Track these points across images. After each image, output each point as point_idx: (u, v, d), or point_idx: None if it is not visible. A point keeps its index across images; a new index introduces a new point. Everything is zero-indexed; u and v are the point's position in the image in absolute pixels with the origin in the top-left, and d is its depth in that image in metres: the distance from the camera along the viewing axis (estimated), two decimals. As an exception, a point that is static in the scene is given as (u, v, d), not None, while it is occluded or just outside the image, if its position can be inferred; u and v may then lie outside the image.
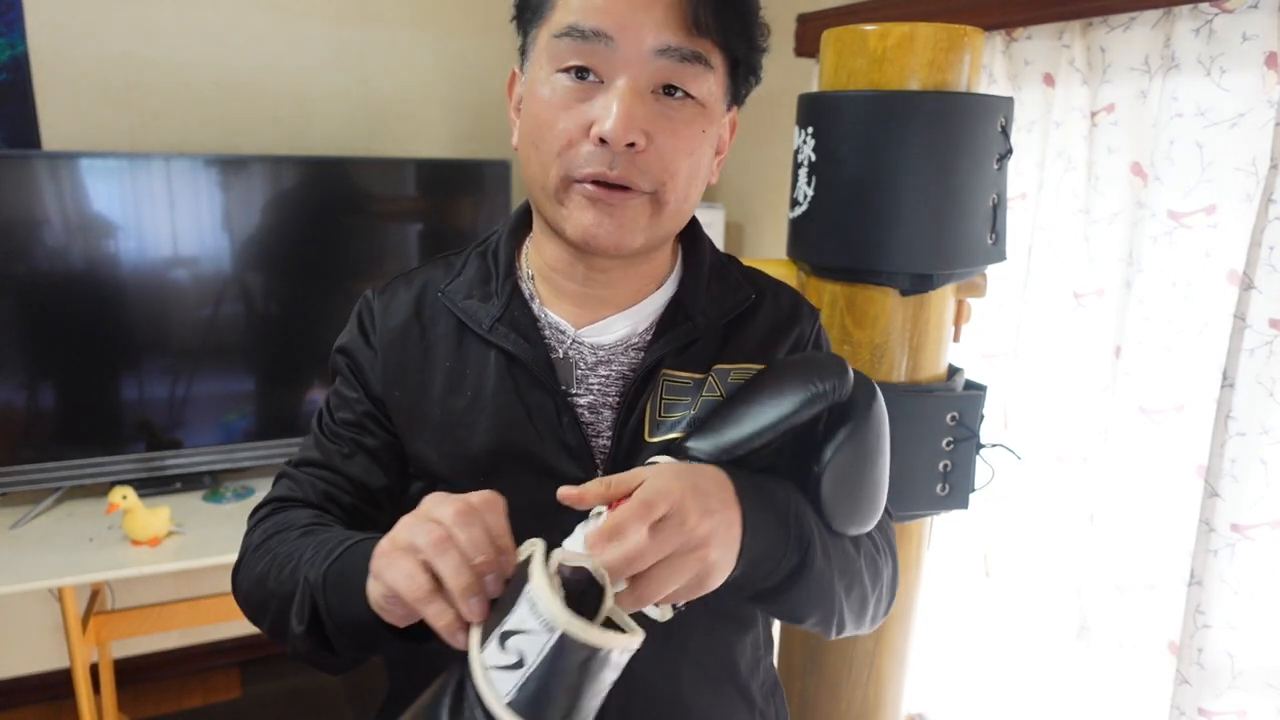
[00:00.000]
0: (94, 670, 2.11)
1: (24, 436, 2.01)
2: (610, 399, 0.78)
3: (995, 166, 1.18)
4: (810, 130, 1.21)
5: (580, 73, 0.68)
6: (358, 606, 0.63)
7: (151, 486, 2.12)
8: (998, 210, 1.21)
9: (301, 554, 0.70)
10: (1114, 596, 1.52)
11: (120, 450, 2.08)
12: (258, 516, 0.81)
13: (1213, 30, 1.26)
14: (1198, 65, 1.29)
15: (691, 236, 0.85)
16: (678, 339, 0.78)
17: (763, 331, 0.82)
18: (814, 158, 1.20)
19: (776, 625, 1.01)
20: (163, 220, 2.03)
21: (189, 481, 2.17)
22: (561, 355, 0.78)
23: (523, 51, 0.75)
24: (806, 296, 1.29)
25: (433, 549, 0.56)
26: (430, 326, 0.80)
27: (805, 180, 1.22)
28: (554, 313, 0.79)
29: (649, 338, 0.79)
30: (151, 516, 1.89)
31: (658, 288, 0.81)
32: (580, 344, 0.78)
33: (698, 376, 0.78)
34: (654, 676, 0.68)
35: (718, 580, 0.63)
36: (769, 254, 2.39)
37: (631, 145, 0.66)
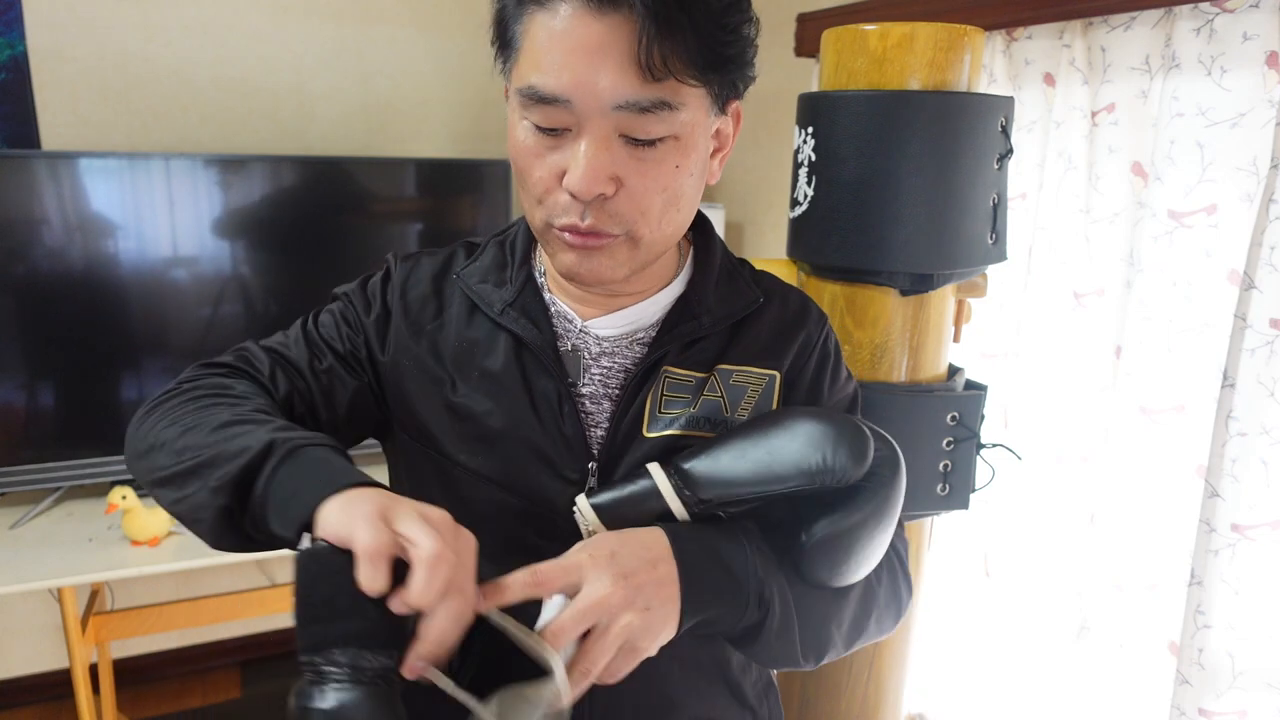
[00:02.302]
0: (93, 670, 2.11)
1: (24, 436, 2.01)
2: (611, 391, 0.79)
3: (995, 166, 1.18)
4: (810, 130, 1.21)
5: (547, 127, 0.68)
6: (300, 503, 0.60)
7: (151, 486, 2.12)
8: (998, 210, 1.21)
9: (257, 426, 0.66)
10: (1114, 596, 1.52)
11: (120, 450, 2.07)
12: (205, 366, 0.78)
13: (1213, 30, 1.26)
14: (1198, 65, 1.29)
15: (703, 235, 0.85)
16: (682, 336, 0.79)
17: (769, 334, 0.83)
18: (814, 158, 1.20)
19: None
20: (162, 220, 2.03)
21: (189, 481, 2.17)
22: (570, 346, 0.79)
23: (503, 72, 0.74)
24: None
25: (427, 558, 0.55)
26: (446, 304, 0.82)
27: (805, 180, 1.22)
28: (563, 302, 0.80)
29: (654, 333, 0.80)
30: (151, 516, 1.89)
31: (666, 284, 0.81)
32: (586, 334, 0.79)
33: (700, 375, 0.79)
34: (643, 675, 0.68)
35: (650, 648, 0.66)
36: (769, 254, 2.39)
37: (602, 194, 0.67)
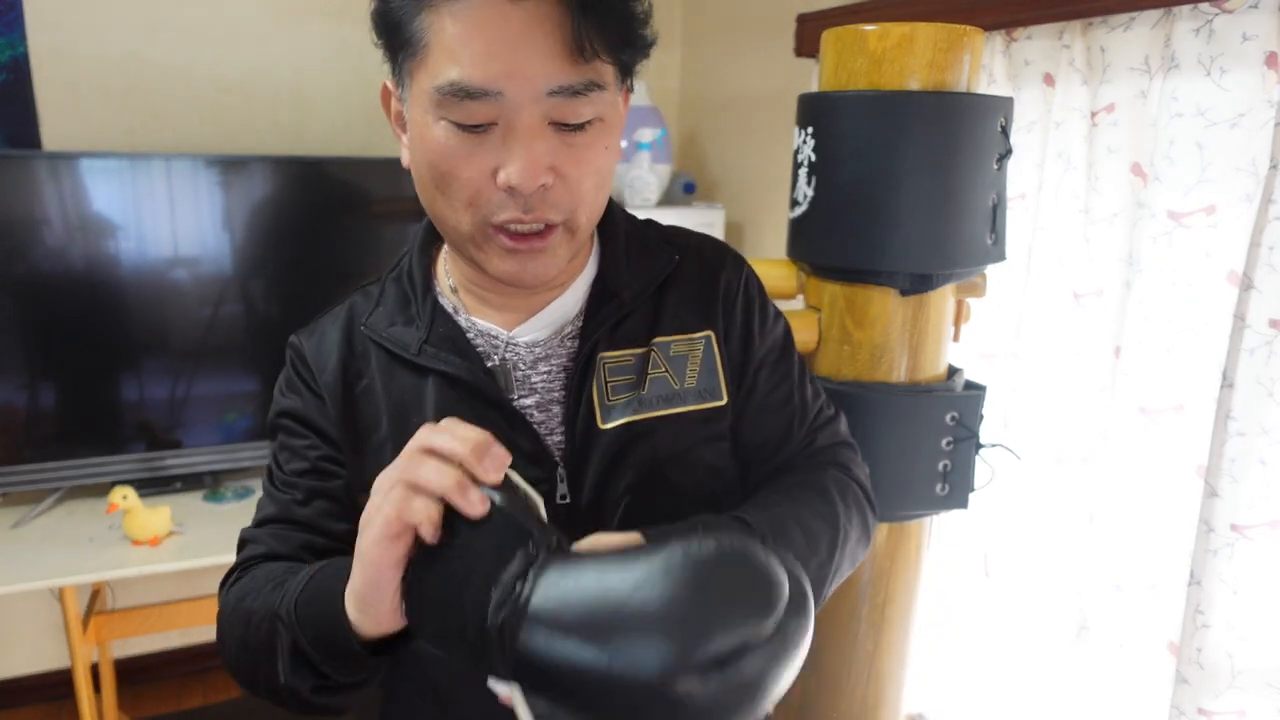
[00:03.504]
0: (94, 670, 2.11)
1: (24, 436, 2.01)
2: (556, 394, 0.77)
3: (995, 166, 1.18)
4: (810, 130, 1.21)
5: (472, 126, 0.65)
6: (335, 627, 0.61)
7: (152, 486, 2.12)
8: (997, 210, 1.21)
9: (272, 602, 0.68)
10: (1114, 596, 1.52)
11: (120, 450, 2.08)
12: (227, 584, 0.78)
13: (1213, 30, 1.26)
14: (1198, 65, 1.29)
15: (605, 214, 0.82)
16: (608, 318, 0.77)
17: (693, 292, 0.81)
18: (814, 158, 1.20)
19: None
20: (163, 220, 2.03)
21: (189, 481, 2.17)
22: (498, 361, 0.76)
23: (395, 72, 0.70)
24: (807, 297, 1.30)
25: (407, 467, 0.55)
26: (364, 363, 0.78)
27: (805, 180, 1.22)
28: (481, 320, 0.78)
29: (580, 324, 0.78)
30: (152, 516, 1.89)
31: (581, 270, 0.80)
32: (515, 345, 0.77)
33: (638, 352, 0.78)
34: None
35: None
36: (769, 254, 2.39)
37: (543, 185, 0.65)
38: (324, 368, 0.78)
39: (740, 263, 0.86)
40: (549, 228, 0.68)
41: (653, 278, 0.80)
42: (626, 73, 0.71)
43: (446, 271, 0.81)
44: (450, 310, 0.78)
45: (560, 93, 0.63)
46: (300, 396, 0.79)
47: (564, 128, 0.65)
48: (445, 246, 0.82)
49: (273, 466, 0.81)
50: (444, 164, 0.66)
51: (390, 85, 0.72)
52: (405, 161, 0.72)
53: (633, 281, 0.79)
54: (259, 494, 0.82)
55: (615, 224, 0.82)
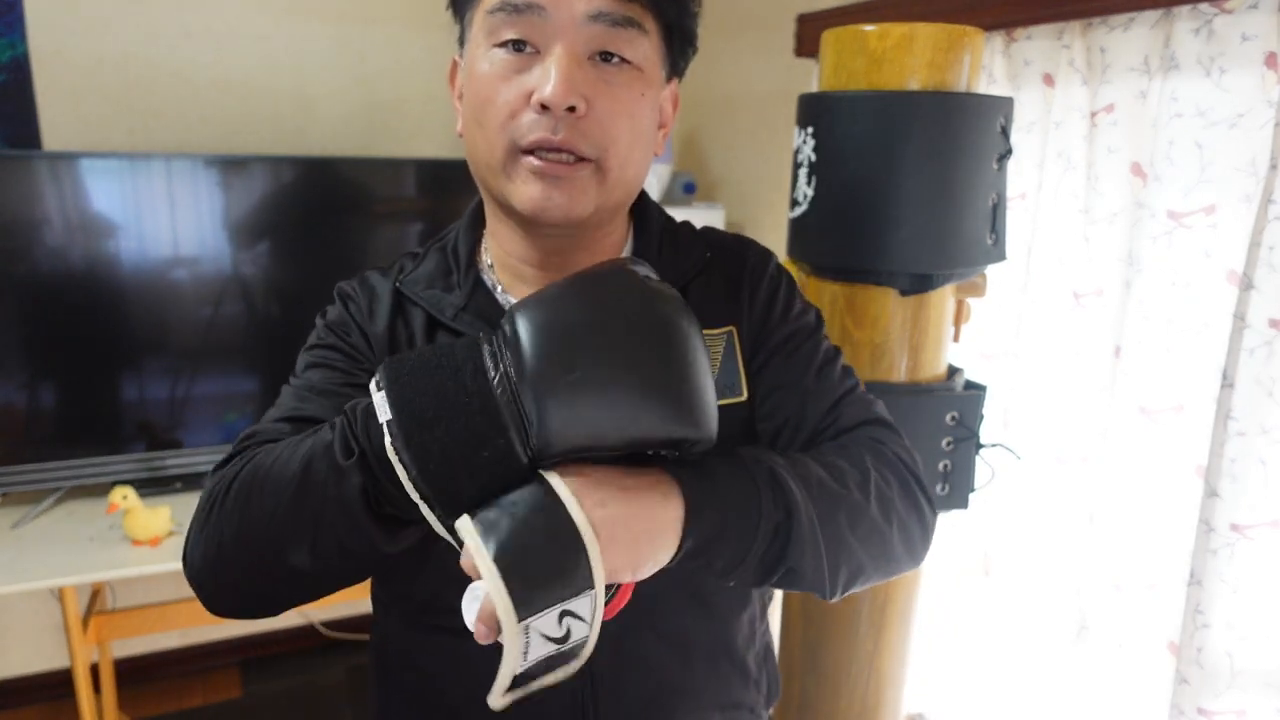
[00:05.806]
0: (94, 670, 2.11)
1: (25, 436, 2.01)
2: None
3: (995, 167, 1.18)
4: (810, 130, 1.21)
5: (517, 45, 0.68)
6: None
7: (152, 486, 2.12)
8: (997, 210, 1.21)
9: (317, 445, 0.62)
10: (1113, 596, 1.52)
11: (120, 450, 2.08)
12: (218, 469, 0.70)
13: (1212, 30, 1.26)
14: (1197, 65, 1.29)
15: (641, 207, 0.84)
16: None
17: (718, 289, 0.82)
18: (814, 158, 1.20)
19: (778, 596, 0.98)
20: (163, 220, 2.03)
21: (189, 481, 2.17)
22: None
23: (461, 39, 0.75)
24: (806, 296, 1.30)
25: None
26: (408, 319, 0.81)
27: (805, 180, 1.23)
28: (517, 298, 0.78)
29: None
30: (152, 516, 1.89)
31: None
32: None
33: None
34: (647, 662, 0.68)
35: (652, 556, 0.60)
36: (769, 254, 2.39)
37: (572, 110, 0.67)
38: (375, 319, 0.80)
39: (766, 255, 0.86)
40: (579, 161, 0.69)
41: (682, 272, 0.81)
42: (673, 45, 0.73)
43: (488, 251, 0.82)
44: (489, 286, 0.80)
45: (599, 19, 0.67)
46: (350, 333, 0.81)
47: (602, 61, 0.68)
48: (488, 225, 0.82)
49: (307, 370, 0.79)
50: (486, 90, 0.69)
51: (457, 57, 0.76)
52: (459, 128, 0.75)
53: (662, 274, 0.79)
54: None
55: (651, 218, 0.83)
